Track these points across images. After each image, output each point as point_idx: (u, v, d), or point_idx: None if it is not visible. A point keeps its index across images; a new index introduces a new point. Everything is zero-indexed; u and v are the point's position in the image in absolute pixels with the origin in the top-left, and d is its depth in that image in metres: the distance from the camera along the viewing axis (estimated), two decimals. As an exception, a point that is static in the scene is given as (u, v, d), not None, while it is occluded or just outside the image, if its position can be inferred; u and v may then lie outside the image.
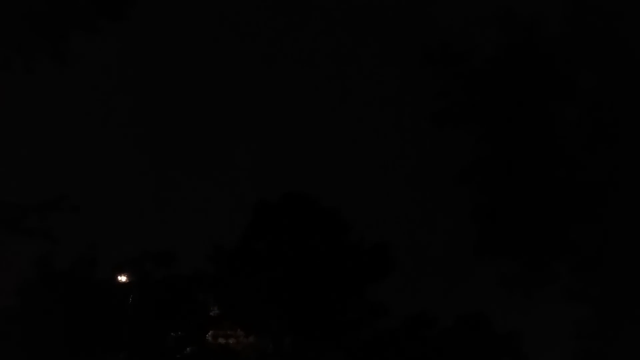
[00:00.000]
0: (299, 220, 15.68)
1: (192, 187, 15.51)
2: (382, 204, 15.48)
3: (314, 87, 15.22)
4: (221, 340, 15.56)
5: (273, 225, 15.73)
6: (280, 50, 15.16)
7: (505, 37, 14.88)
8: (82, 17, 14.84)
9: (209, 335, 15.58)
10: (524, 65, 14.94)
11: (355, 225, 15.51)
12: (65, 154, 15.47)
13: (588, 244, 15.17)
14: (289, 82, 15.22)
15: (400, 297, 15.34)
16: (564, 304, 14.89)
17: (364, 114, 15.26)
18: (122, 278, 15.61)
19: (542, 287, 15.18)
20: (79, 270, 15.52)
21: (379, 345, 15.31)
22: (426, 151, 15.24)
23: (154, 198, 15.54)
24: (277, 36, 15.04)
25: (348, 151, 15.38)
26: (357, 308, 15.83)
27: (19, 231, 15.45)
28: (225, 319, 15.55)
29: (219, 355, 15.36)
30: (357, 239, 15.56)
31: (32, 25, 14.71)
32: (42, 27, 14.77)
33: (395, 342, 15.22)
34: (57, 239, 15.46)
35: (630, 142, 14.59)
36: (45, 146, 15.41)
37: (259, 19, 14.83)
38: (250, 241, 15.80)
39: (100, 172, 15.55)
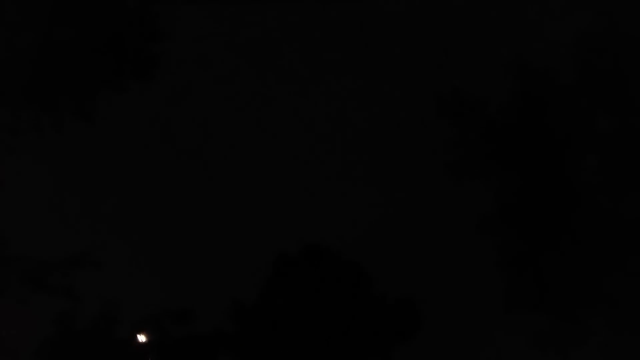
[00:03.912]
0: (320, 275, 15.43)
1: (212, 242, 15.50)
2: (405, 257, 15.15)
3: (330, 139, 15.41)
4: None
5: (293, 280, 15.50)
6: (298, 103, 15.53)
7: (520, 86, 14.96)
8: (109, 77, 15.63)
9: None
10: (540, 113, 14.91)
11: (378, 280, 15.17)
12: (88, 211, 15.75)
13: (626, 296, 14.40)
14: (306, 134, 15.47)
15: (427, 356, 14.69)
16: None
17: (383, 164, 15.27)
18: (142, 338, 15.41)
19: (579, 344, 14.31)
20: (100, 329, 15.40)
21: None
22: (446, 202, 15.02)
23: (174, 255, 15.56)
24: (296, 90, 15.46)
25: (368, 203, 15.28)
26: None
27: (40, 288, 15.59)
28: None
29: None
30: (380, 293, 15.16)
31: (60, 84, 15.54)
32: (69, 86, 15.58)
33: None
34: (79, 297, 15.53)
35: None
36: (69, 203, 15.76)
37: (280, 76, 15.34)
38: (270, 297, 15.53)
39: (123, 230, 15.73)
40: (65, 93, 15.49)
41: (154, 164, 15.95)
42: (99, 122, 15.85)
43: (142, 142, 15.95)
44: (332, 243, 15.17)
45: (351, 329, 15.07)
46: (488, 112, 14.96)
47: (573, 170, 14.67)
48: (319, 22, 15.76)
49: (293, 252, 15.42)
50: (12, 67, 14.69)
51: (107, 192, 15.85)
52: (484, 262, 15.00)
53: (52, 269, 15.64)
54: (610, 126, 14.55)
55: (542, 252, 14.72)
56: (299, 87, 15.70)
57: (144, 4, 15.59)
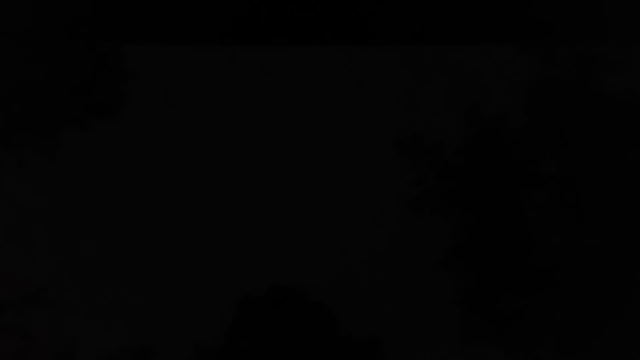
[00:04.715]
0: (286, 316, 15.55)
1: (174, 281, 15.53)
2: (367, 295, 15.59)
3: (293, 179, 15.90)
4: None
5: (259, 321, 15.56)
6: (263, 144, 16.00)
7: (473, 129, 16.01)
8: (73, 115, 15.74)
9: None
10: (492, 154, 15.94)
11: (343, 319, 15.45)
12: (46, 249, 15.55)
13: (571, 328, 15.29)
14: (269, 174, 15.91)
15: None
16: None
17: (346, 204, 15.83)
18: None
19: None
20: (55, 365, 15.02)
21: None
22: (406, 239, 15.67)
23: (134, 294, 15.47)
24: (261, 131, 15.96)
25: (329, 242, 15.73)
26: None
27: (-7, 328, 15.15)
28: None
29: None
30: (346, 334, 15.42)
31: (24, 121, 15.54)
32: (32, 124, 15.59)
33: None
34: (34, 335, 15.15)
35: (596, 221, 15.30)
36: (26, 240, 15.54)
37: (250, 113, 15.81)
38: (235, 338, 15.51)
39: (81, 268, 15.58)
40: (27, 130, 15.47)
41: (114, 201, 15.96)
42: (61, 159, 15.84)
43: (104, 179, 15.99)
44: (297, 284, 15.45)
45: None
46: (444, 154, 15.86)
47: (524, 208, 15.63)
48: (287, 67, 16.47)
49: (258, 293, 15.56)
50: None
51: (66, 230, 15.71)
52: (442, 297, 15.61)
53: (5, 306, 15.25)
54: (556, 167, 15.68)
55: (495, 287, 15.46)
56: (265, 129, 16.23)
57: (112, 45, 15.89)
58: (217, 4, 16.42)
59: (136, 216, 15.88)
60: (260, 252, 15.77)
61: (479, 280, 15.67)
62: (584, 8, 16.26)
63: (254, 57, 16.48)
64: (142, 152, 16.07)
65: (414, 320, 15.52)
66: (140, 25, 16.26)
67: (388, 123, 16.31)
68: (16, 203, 15.57)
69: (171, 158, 16.09)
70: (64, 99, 15.38)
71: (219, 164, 16.15)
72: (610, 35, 16.24)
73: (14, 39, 14.88)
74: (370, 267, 15.75)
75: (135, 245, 15.78)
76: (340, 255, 15.73)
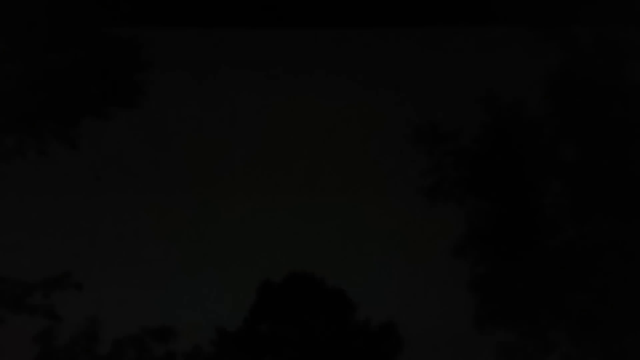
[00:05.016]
0: (304, 302, 15.80)
1: (195, 266, 15.86)
2: (383, 281, 15.82)
3: (308, 167, 16.04)
4: None
5: (277, 307, 15.82)
6: (285, 131, 16.10)
7: (490, 117, 15.99)
8: (93, 104, 15.95)
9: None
10: (509, 142, 15.96)
11: (360, 305, 15.68)
12: (70, 233, 15.92)
13: (584, 312, 15.48)
14: (288, 159, 16.04)
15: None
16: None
17: (360, 189, 15.98)
18: None
19: (542, 355, 15.30)
20: (81, 346, 15.52)
21: None
22: (421, 226, 15.83)
23: (156, 277, 15.83)
24: (283, 115, 16.03)
25: (345, 228, 15.93)
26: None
27: (21, 309, 15.64)
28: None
29: None
30: (363, 319, 15.67)
31: (45, 110, 15.78)
32: (54, 112, 15.83)
33: None
34: (59, 317, 15.65)
35: (613, 209, 15.36)
36: (51, 225, 15.91)
37: (267, 95, 15.88)
38: (254, 323, 15.79)
39: (104, 251, 15.95)
40: (49, 118, 15.72)
41: (135, 186, 16.25)
42: (83, 147, 16.11)
43: (127, 166, 16.26)
44: (315, 270, 15.68)
45: (336, 354, 15.48)
46: (461, 141, 15.91)
47: (539, 195, 15.71)
48: (304, 49, 16.46)
49: (277, 279, 15.82)
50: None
51: (89, 213, 16.06)
52: (457, 283, 15.83)
53: (32, 289, 15.73)
54: (574, 155, 15.69)
55: (509, 273, 15.64)
56: (282, 113, 16.32)
57: (130, 32, 15.99)
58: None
59: (158, 200, 16.17)
60: (279, 238, 16.02)
61: (494, 266, 15.85)
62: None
63: (273, 39, 16.49)
64: (161, 138, 16.28)
65: (429, 306, 15.76)
66: (151, 8, 16.27)
67: (404, 110, 16.33)
68: (39, 189, 15.92)
69: (191, 142, 16.29)
70: (84, 88, 15.58)
71: (237, 147, 16.33)
72: (634, 18, 15.99)
73: (34, 31, 15.03)
74: (386, 253, 15.96)
75: (158, 229, 16.11)
76: (356, 242, 15.95)
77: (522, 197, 15.78)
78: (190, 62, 16.29)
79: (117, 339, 15.57)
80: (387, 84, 16.14)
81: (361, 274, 15.86)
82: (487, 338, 15.61)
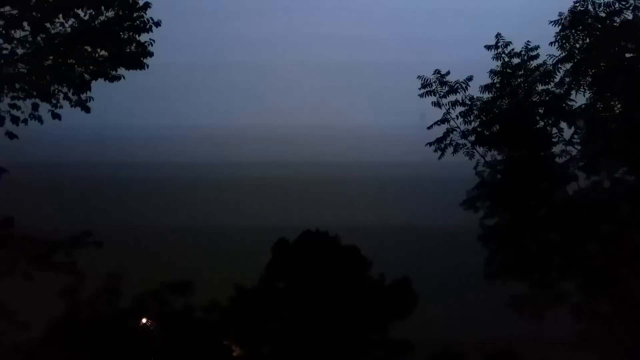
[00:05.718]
0: (318, 259, 15.92)
1: (213, 226, 16.21)
2: (395, 237, 15.90)
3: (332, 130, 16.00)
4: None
5: (293, 264, 15.98)
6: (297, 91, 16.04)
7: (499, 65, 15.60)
8: (102, 67, 16.14)
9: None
10: (518, 90, 15.57)
11: (374, 261, 15.79)
12: (89, 195, 16.47)
13: (594, 263, 15.26)
14: (300, 119, 16.05)
15: (420, 328, 15.46)
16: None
17: (368, 147, 15.93)
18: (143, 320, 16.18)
19: (552, 306, 15.24)
20: (102, 300, 16.28)
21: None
22: (431, 179, 15.74)
23: (176, 236, 16.29)
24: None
25: (356, 187, 15.95)
26: (381, 345, 15.89)
27: (46, 266, 16.45)
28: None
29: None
30: (377, 275, 15.76)
31: (58, 75, 16.09)
32: (66, 77, 16.12)
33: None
34: (82, 273, 16.40)
35: (625, 157, 14.90)
36: (68, 188, 16.47)
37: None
38: (270, 280, 16.09)
39: (122, 212, 16.46)
40: (62, 83, 16.03)
41: (153, 149, 16.62)
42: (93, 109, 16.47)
43: (136, 123, 16.59)
44: (330, 228, 15.80)
45: (351, 310, 15.70)
46: (469, 91, 15.60)
47: (549, 144, 15.37)
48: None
49: (292, 237, 15.99)
50: (11, 59, 15.24)
51: (106, 176, 16.55)
52: (467, 235, 15.77)
53: (56, 247, 16.48)
54: (585, 101, 15.22)
55: (520, 224, 15.48)
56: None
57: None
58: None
59: (174, 162, 16.54)
60: (294, 198, 16.20)
61: (504, 217, 15.69)
62: None
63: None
64: (173, 102, 16.52)
65: (441, 259, 15.80)
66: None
67: (410, 61, 16.05)
68: (56, 154, 16.46)
69: (205, 105, 16.49)
70: (93, 51, 15.80)
71: (252, 112, 16.45)
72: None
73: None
74: (396, 209, 15.98)
75: (175, 190, 16.54)
76: (365, 199, 16.00)
77: (533, 145, 15.45)
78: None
79: (137, 294, 16.22)
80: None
81: (373, 230, 15.92)
82: (498, 290, 15.58)
